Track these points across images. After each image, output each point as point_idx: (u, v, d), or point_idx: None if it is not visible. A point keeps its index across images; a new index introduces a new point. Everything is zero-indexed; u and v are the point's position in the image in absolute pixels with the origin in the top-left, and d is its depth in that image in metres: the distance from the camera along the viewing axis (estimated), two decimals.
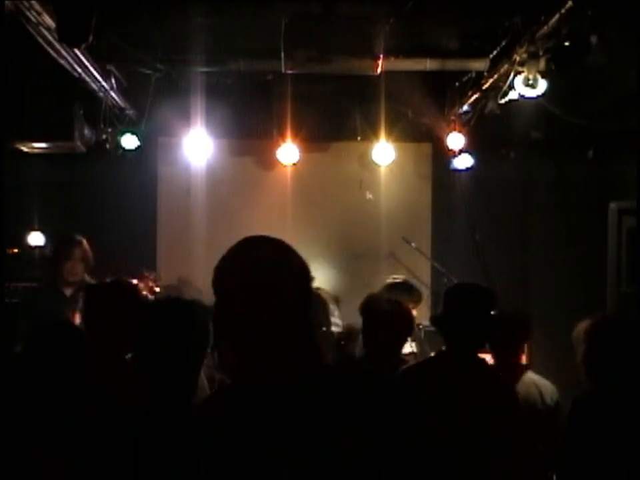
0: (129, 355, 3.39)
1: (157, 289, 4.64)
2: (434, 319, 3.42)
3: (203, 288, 6.54)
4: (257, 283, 1.55)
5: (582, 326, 3.12)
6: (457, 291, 3.30)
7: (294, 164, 6.67)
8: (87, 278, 4.72)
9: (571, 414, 2.86)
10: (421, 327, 6.02)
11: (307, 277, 1.63)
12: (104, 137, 6.09)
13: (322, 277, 6.22)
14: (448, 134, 6.37)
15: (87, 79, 5.12)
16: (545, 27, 4.27)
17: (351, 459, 1.49)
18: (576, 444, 2.81)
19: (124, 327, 2.89)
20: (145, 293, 4.58)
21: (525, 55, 4.54)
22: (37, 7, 3.87)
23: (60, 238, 4.93)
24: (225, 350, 1.58)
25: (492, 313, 3.24)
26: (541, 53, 4.49)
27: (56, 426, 2.33)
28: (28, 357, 2.49)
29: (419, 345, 5.07)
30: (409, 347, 5.02)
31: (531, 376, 3.76)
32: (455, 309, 3.13)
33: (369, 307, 3.70)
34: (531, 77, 4.56)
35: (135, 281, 4.72)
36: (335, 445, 1.49)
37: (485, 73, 5.32)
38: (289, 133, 6.44)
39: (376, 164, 6.76)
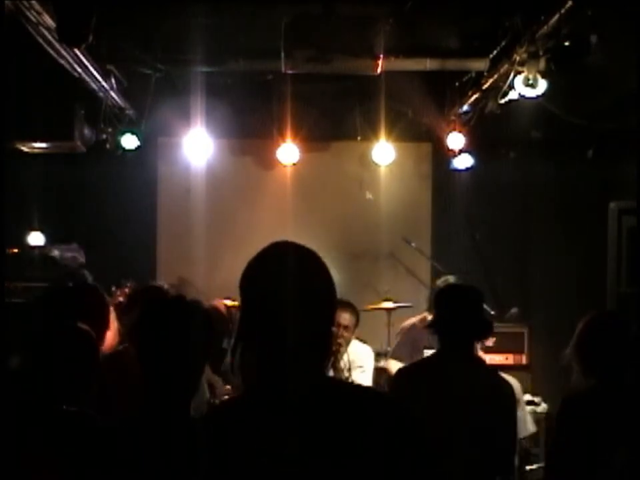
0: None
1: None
2: (428, 326, 3.50)
3: (202, 288, 6.55)
4: (303, 294, 1.55)
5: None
6: (443, 292, 3.43)
7: (294, 164, 6.67)
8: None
9: (560, 413, 2.86)
10: None
11: (335, 291, 1.64)
12: (104, 136, 6.08)
13: None
14: (448, 134, 6.37)
15: (87, 79, 5.11)
16: (545, 27, 4.27)
17: (352, 469, 1.50)
18: (564, 444, 2.81)
19: None
20: (121, 299, 4.65)
21: (524, 55, 4.54)
22: (37, 6, 3.86)
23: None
24: (249, 354, 1.58)
25: (483, 307, 3.33)
26: (541, 53, 4.48)
27: (56, 426, 2.33)
28: (33, 357, 2.49)
29: None
30: None
31: None
32: (443, 310, 3.23)
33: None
34: (531, 76, 4.56)
35: (113, 289, 4.78)
36: (338, 455, 1.50)
37: (485, 73, 5.32)
38: (288, 133, 6.44)
39: (376, 164, 6.75)
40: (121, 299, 4.63)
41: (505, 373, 3.74)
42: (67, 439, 2.27)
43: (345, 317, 4.97)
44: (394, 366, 5.07)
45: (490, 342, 5.32)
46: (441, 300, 3.29)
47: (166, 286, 4.37)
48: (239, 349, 1.60)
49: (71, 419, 2.35)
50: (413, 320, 5.38)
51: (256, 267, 1.61)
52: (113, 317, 3.49)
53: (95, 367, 2.56)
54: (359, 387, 1.76)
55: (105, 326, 3.13)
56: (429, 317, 5.05)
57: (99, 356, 2.67)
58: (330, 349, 1.63)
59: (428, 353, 5.00)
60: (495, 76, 5.13)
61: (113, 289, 4.82)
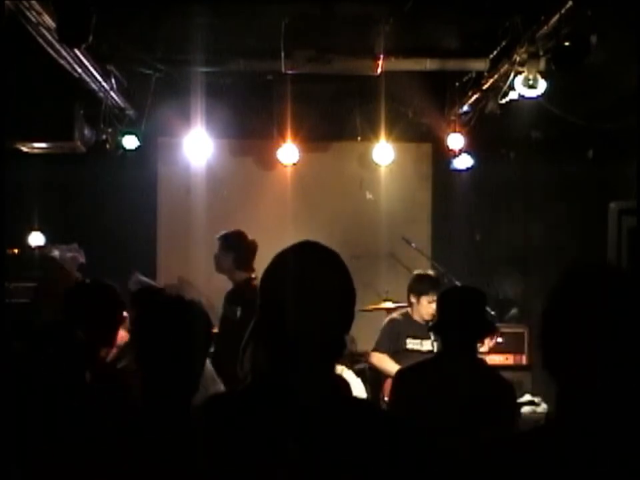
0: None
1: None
2: (431, 329, 3.50)
3: (203, 288, 6.55)
4: (319, 296, 1.56)
5: None
6: (446, 294, 3.41)
7: (294, 164, 6.67)
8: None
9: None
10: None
11: (353, 296, 1.65)
12: (104, 137, 6.08)
13: None
14: (448, 134, 6.37)
15: (87, 79, 5.11)
16: (545, 27, 4.28)
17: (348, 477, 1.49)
18: None
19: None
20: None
21: (524, 55, 4.54)
22: (37, 6, 3.86)
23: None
24: (260, 354, 1.58)
25: (486, 309, 3.34)
26: (541, 53, 4.49)
27: (56, 426, 2.33)
28: (29, 355, 2.49)
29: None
30: (428, 345, 5.06)
31: None
32: (446, 311, 3.23)
33: None
34: (531, 77, 4.56)
35: None
36: (335, 462, 1.49)
37: (485, 73, 5.32)
38: (289, 133, 6.43)
39: (376, 164, 6.75)
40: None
41: (505, 372, 3.74)
42: (66, 438, 2.26)
43: None
44: (375, 358, 5.20)
45: (491, 343, 5.32)
46: (443, 301, 3.29)
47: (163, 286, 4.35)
48: (250, 347, 1.60)
49: (71, 417, 2.35)
50: (395, 315, 5.37)
51: (274, 267, 1.61)
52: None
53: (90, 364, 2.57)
54: (362, 399, 1.76)
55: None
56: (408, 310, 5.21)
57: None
58: (341, 353, 1.61)
59: (411, 341, 5.11)
60: (495, 76, 5.14)
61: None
